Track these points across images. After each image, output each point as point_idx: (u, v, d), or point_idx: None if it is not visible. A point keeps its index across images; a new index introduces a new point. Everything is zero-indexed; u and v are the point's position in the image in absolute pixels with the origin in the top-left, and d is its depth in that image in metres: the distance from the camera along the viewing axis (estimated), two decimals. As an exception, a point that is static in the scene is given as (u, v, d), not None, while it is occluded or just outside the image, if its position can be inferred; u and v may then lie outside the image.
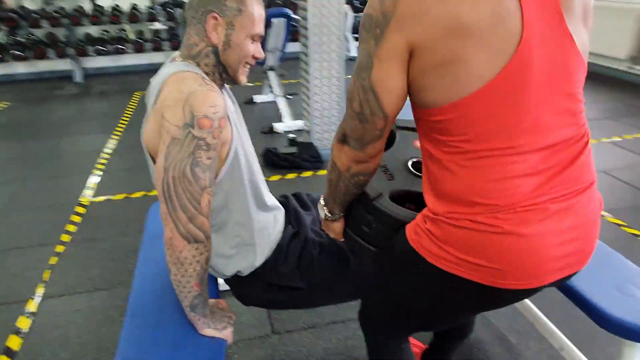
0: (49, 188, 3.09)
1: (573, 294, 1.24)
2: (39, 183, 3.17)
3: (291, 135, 3.58)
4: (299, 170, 3.24)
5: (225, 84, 1.20)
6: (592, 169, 0.86)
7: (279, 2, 6.05)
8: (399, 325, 1.13)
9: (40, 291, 2.04)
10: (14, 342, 1.75)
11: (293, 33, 4.19)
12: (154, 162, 1.06)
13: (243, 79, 1.16)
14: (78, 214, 2.72)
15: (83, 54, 5.83)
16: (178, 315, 1.14)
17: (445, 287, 0.89)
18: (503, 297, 0.88)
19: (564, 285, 1.25)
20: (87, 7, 5.81)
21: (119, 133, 4.07)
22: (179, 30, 6.08)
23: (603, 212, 2.54)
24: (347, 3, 5.87)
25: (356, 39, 4.53)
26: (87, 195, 2.95)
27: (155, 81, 1.09)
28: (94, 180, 3.17)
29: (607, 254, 1.39)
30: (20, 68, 5.95)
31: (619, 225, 2.46)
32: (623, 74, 5.26)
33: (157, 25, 6.00)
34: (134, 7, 5.86)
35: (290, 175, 3.19)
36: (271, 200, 1.32)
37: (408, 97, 0.86)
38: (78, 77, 5.95)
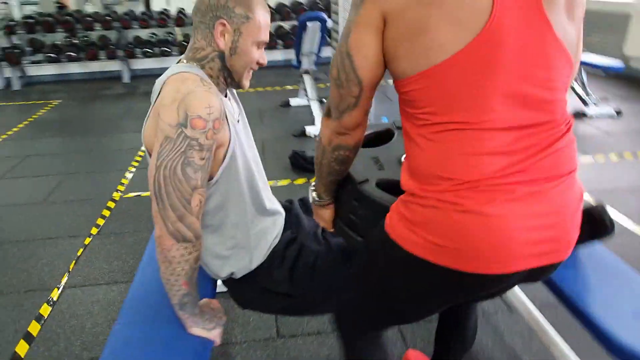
0: (87, 182, 3.25)
1: (583, 316, 1.15)
2: (78, 177, 3.33)
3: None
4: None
5: (230, 88, 1.21)
6: (573, 159, 0.84)
7: (320, 6, 6.09)
8: (370, 316, 1.08)
9: (64, 281, 2.14)
10: (35, 328, 1.84)
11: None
12: None
13: (247, 83, 1.17)
14: (109, 208, 2.83)
15: (131, 55, 6.10)
16: (171, 313, 1.15)
17: (417, 273, 0.86)
18: (471, 282, 0.83)
19: (573, 305, 1.17)
20: (138, 10, 6.09)
21: (157, 132, 4.20)
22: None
23: (633, 226, 2.38)
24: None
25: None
26: (119, 190, 3.07)
27: (158, 81, 1.11)
28: (128, 176, 3.30)
29: (627, 276, 1.29)
30: (74, 68, 6.31)
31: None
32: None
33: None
34: (181, 12, 6.07)
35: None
36: (272, 204, 1.31)
37: None
38: (126, 77, 6.24)
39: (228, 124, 1.10)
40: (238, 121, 1.19)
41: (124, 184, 3.17)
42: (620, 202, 2.67)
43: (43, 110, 5.07)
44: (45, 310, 1.94)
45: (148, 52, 6.07)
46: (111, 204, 2.88)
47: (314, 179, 1.15)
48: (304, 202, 1.49)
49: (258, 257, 1.23)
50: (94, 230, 2.57)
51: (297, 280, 1.22)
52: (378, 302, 1.02)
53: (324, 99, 4.29)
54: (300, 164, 3.28)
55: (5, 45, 5.94)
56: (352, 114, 0.90)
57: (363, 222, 1.06)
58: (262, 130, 4.11)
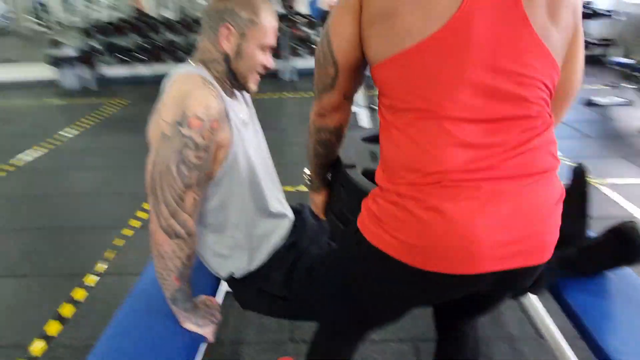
0: (135, 177, 3.42)
1: (591, 343, 1.05)
2: (128, 172, 3.53)
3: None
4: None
5: (236, 91, 1.22)
6: (551, 158, 0.79)
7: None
8: (336, 312, 1.04)
9: (100, 268, 2.27)
10: (67, 310, 1.96)
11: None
12: None
13: (253, 86, 1.17)
14: (152, 202, 2.96)
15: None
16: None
17: (384, 270, 0.83)
18: (436, 281, 0.78)
19: (592, 340, 1.06)
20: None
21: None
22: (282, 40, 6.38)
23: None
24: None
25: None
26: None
27: (165, 81, 1.15)
28: (174, 173, 3.44)
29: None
30: (142, 70, 6.71)
31: None
32: None
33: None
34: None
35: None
36: (279, 208, 1.30)
37: None
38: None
39: (230, 126, 1.10)
40: (246, 124, 1.20)
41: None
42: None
43: (113, 110, 5.44)
44: (80, 294, 2.07)
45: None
46: (155, 199, 3.02)
47: None
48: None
49: (258, 258, 1.23)
50: (135, 223, 2.70)
51: (293, 283, 1.21)
52: (344, 296, 0.99)
53: (372, 105, 4.25)
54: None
55: (84, 47, 6.45)
56: (329, 95, 0.93)
57: (348, 211, 1.05)
58: (302, 133, 4.13)
